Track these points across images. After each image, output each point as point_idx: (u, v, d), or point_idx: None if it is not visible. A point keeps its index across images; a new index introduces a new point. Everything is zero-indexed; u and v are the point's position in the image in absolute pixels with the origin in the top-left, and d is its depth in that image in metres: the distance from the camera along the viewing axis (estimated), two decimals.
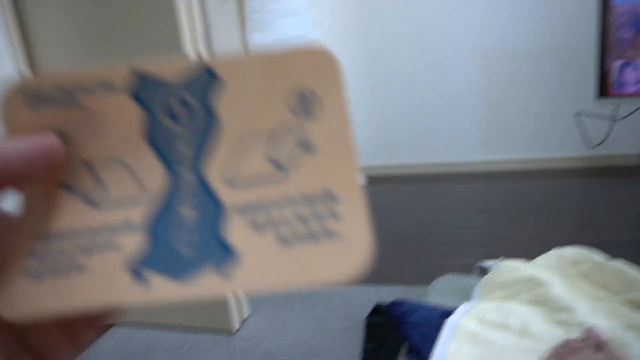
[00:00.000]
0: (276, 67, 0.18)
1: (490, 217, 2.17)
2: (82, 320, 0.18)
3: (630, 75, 1.93)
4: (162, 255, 0.17)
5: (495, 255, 1.17)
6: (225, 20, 1.79)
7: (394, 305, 0.91)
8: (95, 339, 0.20)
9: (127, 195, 0.18)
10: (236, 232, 0.17)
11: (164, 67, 0.18)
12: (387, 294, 1.35)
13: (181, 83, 0.18)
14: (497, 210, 2.24)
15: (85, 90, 0.17)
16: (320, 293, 1.66)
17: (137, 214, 0.17)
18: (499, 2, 2.54)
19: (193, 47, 1.29)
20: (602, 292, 0.86)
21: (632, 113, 2.33)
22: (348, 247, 0.17)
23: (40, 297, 0.16)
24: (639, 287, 0.83)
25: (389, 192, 2.63)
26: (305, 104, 0.18)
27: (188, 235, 0.17)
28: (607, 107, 2.43)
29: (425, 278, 1.33)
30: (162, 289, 0.16)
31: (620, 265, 0.87)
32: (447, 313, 0.84)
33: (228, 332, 1.51)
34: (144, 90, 0.18)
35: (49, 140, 0.17)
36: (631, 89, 1.95)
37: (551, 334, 0.76)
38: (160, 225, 0.17)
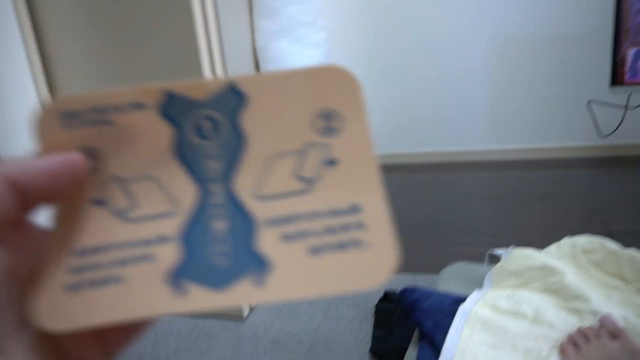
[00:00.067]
0: (300, 85, 0.19)
1: (500, 206, 2.16)
2: (118, 330, 0.19)
3: None
4: (199, 266, 0.17)
5: (504, 244, 1.17)
6: (235, 7, 1.78)
7: (406, 292, 0.91)
8: (127, 346, 0.20)
9: (159, 210, 0.18)
10: (268, 243, 0.18)
11: (192, 87, 0.19)
12: (395, 282, 1.35)
13: (209, 101, 0.19)
14: (507, 199, 2.23)
15: (117, 109, 0.18)
16: None
17: (170, 228, 0.18)
18: None
19: (205, 33, 1.29)
20: (615, 280, 0.86)
21: None
22: (375, 256, 0.17)
23: (79, 310, 0.17)
24: None
25: (397, 180, 2.62)
26: (329, 122, 0.19)
27: (222, 247, 0.18)
28: (620, 95, 2.40)
29: (434, 266, 1.33)
30: (201, 299, 0.17)
31: (634, 254, 0.86)
32: (459, 300, 0.84)
33: (237, 318, 1.52)
34: (173, 108, 0.18)
35: (74, 157, 0.17)
36: None
37: (564, 322, 0.76)
38: (193, 237, 0.18)
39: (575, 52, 2.50)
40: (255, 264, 0.17)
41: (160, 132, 0.18)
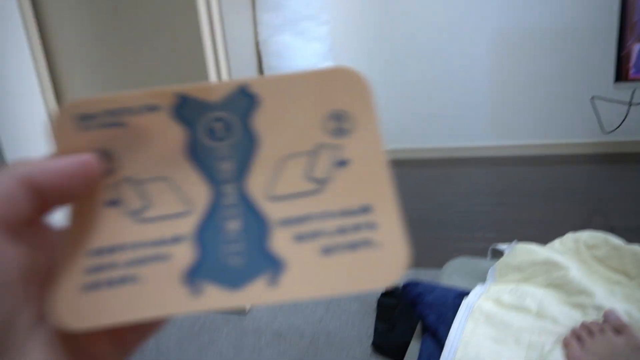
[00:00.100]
0: (310, 87, 0.19)
1: (502, 202, 2.16)
2: (133, 328, 0.19)
3: None
4: (214, 265, 0.18)
5: (506, 240, 1.17)
6: (238, 0, 1.77)
7: (409, 285, 0.91)
8: (142, 343, 0.20)
9: (172, 210, 0.18)
10: (281, 243, 0.18)
11: (204, 89, 0.19)
12: None
13: (221, 103, 0.19)
14: (509, 195, 2.22)
15: (131, 112, 0.19)
16: None
17: (185, 228, 0.18)
18: None
19: (209, 26, 1.29)
20: (619, 276, 0.86)
21: None
22: (386, 255, 0.18)
23: (96, 309, 0.17)
24: None
25: (399, 176, 2.61)
26: (340, 123, 0.19)
27: (236, 247, 0.18)
28: (624, 91, 2.38)
29: (437, 261, 1.33)
30: (216, 298, 0.17)
31: (637, 250, 0.86)
32: (463, 294, 0.84)
33: (240, 311, 1.52)
34: (186, 110, 0.19)
35: (88, 158, 0.18)
36: None
37: (568, 317, 0.76)
38: (208, 237, 0.18)
39: (579, 48, 2.48)
40: (269, 264, 0.18)
41: (173, 134, 0.19)
